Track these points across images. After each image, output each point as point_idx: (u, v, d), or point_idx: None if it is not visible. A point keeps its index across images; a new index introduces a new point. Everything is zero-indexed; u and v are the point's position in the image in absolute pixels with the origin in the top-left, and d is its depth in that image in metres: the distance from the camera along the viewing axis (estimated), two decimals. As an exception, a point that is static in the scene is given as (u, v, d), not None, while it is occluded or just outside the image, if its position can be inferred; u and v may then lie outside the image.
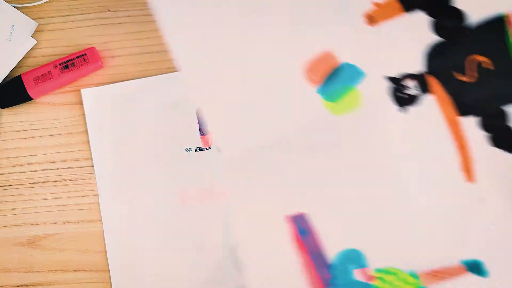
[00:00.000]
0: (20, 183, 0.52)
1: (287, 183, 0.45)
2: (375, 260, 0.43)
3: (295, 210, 0.45)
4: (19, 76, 0.52)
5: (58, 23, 0.54)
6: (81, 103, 0.53)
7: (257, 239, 0.46)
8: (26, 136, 0.52)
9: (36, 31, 0.53)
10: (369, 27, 0.42)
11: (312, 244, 0.44)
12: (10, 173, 0.52)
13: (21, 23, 0.52)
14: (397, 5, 0.41)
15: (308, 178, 0.45)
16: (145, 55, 0.53)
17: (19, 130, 0.53)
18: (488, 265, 0.42)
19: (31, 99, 0.52)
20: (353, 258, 0.44)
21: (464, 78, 0.41)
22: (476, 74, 0.41)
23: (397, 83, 0.41)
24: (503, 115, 0.41)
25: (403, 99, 0.42)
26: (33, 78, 0.52)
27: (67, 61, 0.52)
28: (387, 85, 0.42)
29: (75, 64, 0.52)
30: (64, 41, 0.54)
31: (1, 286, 0.50)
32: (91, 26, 0.54)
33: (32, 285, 0.50)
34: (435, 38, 0.41)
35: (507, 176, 0.41)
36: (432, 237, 0.43)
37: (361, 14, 0.42)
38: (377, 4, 0.41)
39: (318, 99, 0.44)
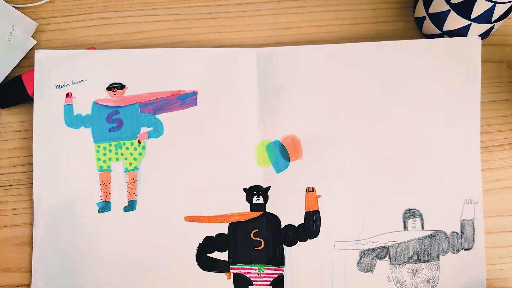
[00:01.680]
0: (20, 183, 0.52)
1: None
2: None
3: None
4: (19, 76, 0.52)
5: (58, 23, 0.54)
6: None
7: None
8: (26, 136, 0.52)
9: (36, 31, 0.53)
10: None
11: None
12: (10, 173, 0.52)
13: (21, 23, 0.52)
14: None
15: None
16: (145, 55, 0.53)
17: (19, 130, 0.53)
18: None
19: (31, 99, 0.52)
20: None
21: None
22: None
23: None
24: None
25: None
26: (33, 78, 0.52)
27: (67, 61, 0.52)
28: None
29: (75, 64, 0.52)
30: (64, 41, 0.54)
31: (1, 286, 0.49)
32: (91, 26, 0.54)
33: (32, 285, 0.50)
34: None
35: None
36: None
37: None
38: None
39: None
